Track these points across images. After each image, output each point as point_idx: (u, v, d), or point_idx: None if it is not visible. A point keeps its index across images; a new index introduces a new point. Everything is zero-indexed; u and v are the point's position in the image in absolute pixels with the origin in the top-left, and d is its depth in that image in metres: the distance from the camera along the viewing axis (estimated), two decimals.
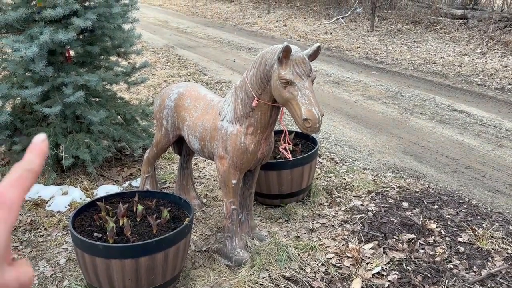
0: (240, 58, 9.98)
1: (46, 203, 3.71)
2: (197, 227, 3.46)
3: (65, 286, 2.80)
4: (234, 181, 2.80)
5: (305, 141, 4.06)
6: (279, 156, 3.74)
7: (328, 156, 4.91)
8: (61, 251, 3.17)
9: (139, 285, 2.46)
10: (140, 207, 2.75)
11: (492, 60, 9.31)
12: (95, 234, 2.58)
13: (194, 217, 3.59)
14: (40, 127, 4.10)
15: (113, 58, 4.53)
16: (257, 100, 2.53)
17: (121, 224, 2.63)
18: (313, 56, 2.43)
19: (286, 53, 2.28)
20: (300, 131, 2.48)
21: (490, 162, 4.79)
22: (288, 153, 2.86)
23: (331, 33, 13.34)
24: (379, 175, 4.43)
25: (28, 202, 3.71)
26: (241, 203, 3.17)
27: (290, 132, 4.10)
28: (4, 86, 3.82)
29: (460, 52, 10.11)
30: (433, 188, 4.11)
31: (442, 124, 5.96)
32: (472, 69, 8.78)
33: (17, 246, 3.22)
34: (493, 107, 6.77)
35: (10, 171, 0.53)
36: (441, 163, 4.80)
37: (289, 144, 3.02)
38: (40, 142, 0.55)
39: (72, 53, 4.29)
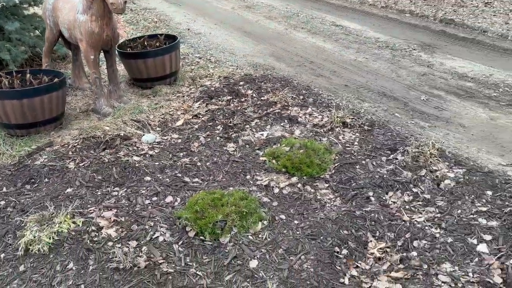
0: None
1: None
2: (84, 99, 4.89)
3: None
4: (92, 57, 4.19)
5: (173, 40, 5.39)
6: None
7: (207, 58, 6.28)
8: None
9: (26, 119, 3.92)
10: (28, 75, 4.14)
11: None
12: None
13: (83, 93, 5.02)
14: None
15: None
16: None
17: (15, 84, 4.02)
18: None
19: None
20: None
21: (331, 58, 6.23)
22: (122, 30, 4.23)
23: None
24: (239, 68, 5.84)
25: None
26: (108, 78, 4.60)
27: (161, 34, 5.45)
28: None
29: None
30: (271, 75, 5.56)
31: (313, 35, 7.33)
32: None
33: None
34: (372, 22, 8.10)
35: None
36: (294, 61, 6.22)
37: (119, 23, 4.36)
38: None
39: None
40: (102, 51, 4.40)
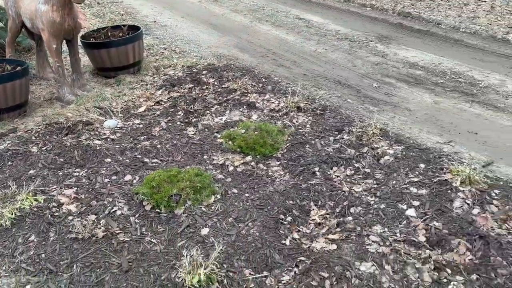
0: None
1: None
2: (48, 88, 4.99)
3: None
4: (54, 46, 4.31)
5: (136, 31, 5.52)
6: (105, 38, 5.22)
7: (172, 49, 6.44)
8: None
9: None
10: None
11: None
12: None
13: (47, 82, 5.11)
14: None
15: None
16: None
17: None
18: None
19: None
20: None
21: (292, 50, 6.49)
22: (85, 20, 4.37)
23: None
24: (203, 58, 6.03)
25: None
26: (72, 67, 4.71)
27: (124, 25, 5.58)
28: None
29: None
30: (234, 65, 5.77)
31: (277, 27, 7.58)
32: None
33: None
34: (334, 15, 8.41)
35: None
36: (257, 51, 6.45)
37: (84, 15, 4.50)
38: None
39: None
40: (64, 40, 4.52)
